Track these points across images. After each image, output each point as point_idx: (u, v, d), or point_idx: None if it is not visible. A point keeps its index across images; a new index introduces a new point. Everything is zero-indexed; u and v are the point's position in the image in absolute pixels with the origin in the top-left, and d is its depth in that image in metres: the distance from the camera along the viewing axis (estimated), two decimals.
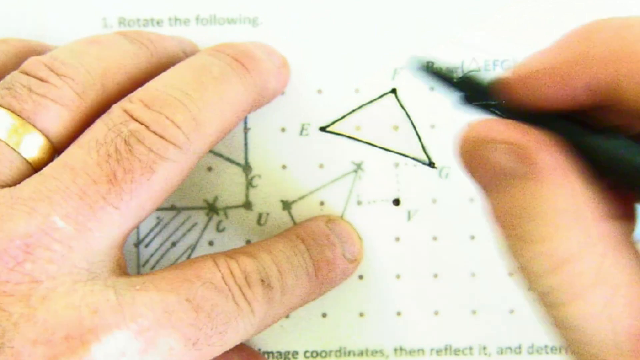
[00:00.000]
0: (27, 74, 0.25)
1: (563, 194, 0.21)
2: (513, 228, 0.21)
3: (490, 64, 0.31)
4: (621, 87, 0.20)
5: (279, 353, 0.31)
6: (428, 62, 0.24)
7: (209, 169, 0.31)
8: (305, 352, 0.32)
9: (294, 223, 0.31)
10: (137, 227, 0.30)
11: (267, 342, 0.31)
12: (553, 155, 0.21)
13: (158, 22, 0.31)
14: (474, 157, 0.22)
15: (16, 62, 0.27)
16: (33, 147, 0.25)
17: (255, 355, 0.31)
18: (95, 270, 0.23)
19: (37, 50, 0.27)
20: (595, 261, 0.20)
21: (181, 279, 0.24)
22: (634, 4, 0.31)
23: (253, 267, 0.26)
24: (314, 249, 0.29)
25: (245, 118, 0.31)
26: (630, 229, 0.21)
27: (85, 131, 0.25)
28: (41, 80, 0.25)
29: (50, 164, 0.24)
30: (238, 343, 0.26)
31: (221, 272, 0.25)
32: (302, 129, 0.31)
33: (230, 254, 0.26)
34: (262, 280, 0.26)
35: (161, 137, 0.24)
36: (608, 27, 0.21)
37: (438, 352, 0.31)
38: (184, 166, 0.25)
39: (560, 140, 0.21)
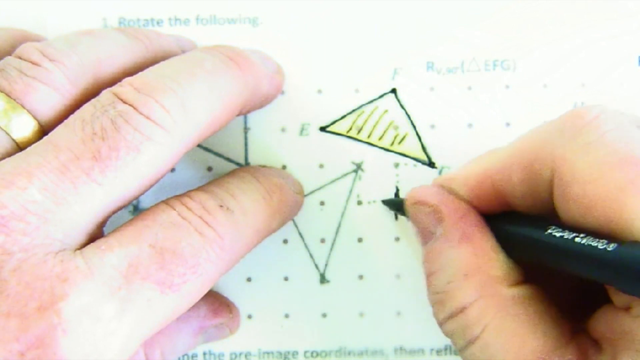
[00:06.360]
0: (20, 58, 0.26)
1: (463, 254, 0.25)
2: (427, 278, 0.27)
3: (490, 64, 0.31)
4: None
5: (279, 353, 0.31)
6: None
7: (209, 168, 0.31)
8: (305, 352, 0.32)
9: (294, 223, 0.31)
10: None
11: (267, 342, 0.31)
12: (461, 222, 0.26)
13: (158, 22, 0.31)
14: (412, 215, 0.28)
15: (12, 48, 0.27)
16: (21, 127, 0.25)
17: (226, 304, 0.31)
18: (68, 242, 0.23)
19: (35, 40, 0.28)
20: (484, 313, 0.24)
21: (139, 227, 0.24)
22: (634, 4, 0.31)
23: (207, 197, 0.26)
24: (261, 177, 0.29)
25: (245, 118, 0.31)
26: (536, 291, 0.25)
27: (74, 113, 0.25)
28: (33, 63, 0.25)
29: (35, 143, 0.24)
30: (218, 274, 0.25)
31: (176, 210, 0.25)
32: (302, 129, 0.31)
33: (182, 194, 0.26)
34: (221, 206, 0.26)
35: (148, 118, 0.24)
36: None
37: (438, 352, 0.31)
38: (171, 151, 0.25)
39: (482, 220, 0.26)
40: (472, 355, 0.25)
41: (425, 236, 0.27)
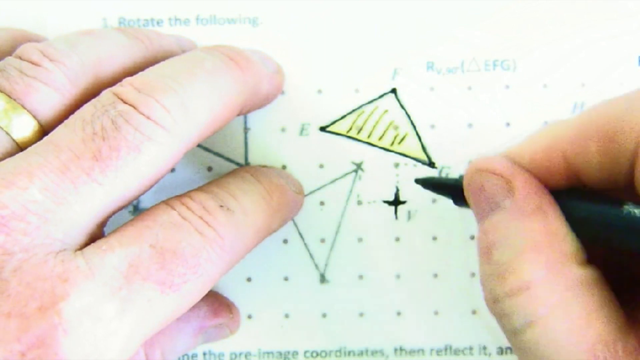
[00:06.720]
0: (20, 58, 0.26)
1: (533, 229, 0.24)
2: (487, 253, 0.24)
3: (490, 64, 0.31)
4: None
5: (279, 353, 0.32)
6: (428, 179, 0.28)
7: (209, 168, 0.31)
8: (305, 352, 0.32)
9: (294, 223, 0.31)
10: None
11: (267, 342, 0.32)
12: (534, 194, 0.24)
13: (158, 22, 0.31)
14: (473, 185, 0.25)
15: (12, 48, 0.27)
16: (22, 127, 0.25)
17: (226, 304, 0.31)
18: (68, 242, 0.23)
19: (35, 40, 0.28)
20: (552, 292, 0.23)
21: (140, 228, 0.24)
22: (634, 4, 0.31)
23: (208, 197, 0.26)
24: (262, 178, 0.29)
25: (245, 118, 0.31)
26: (600, 274, 0.24)
27: (74, 113, 0.25)
28: (34, 63, 0.25)
29: (36, 143, 0.24)
30: (218, 274, 0.25)
31: (176, 210, 0.25)
32: (302, 129, 0.31)
33: (182, 194, 0.26)
34: (221, 206, 0.26)
35: (148, 118, 0.24)
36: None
37: (438, 352, 0.31)
38: (171, 150, 0.25)
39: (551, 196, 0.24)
40: (530, 339, 0.23)
41: (487, 208, 0.25)
